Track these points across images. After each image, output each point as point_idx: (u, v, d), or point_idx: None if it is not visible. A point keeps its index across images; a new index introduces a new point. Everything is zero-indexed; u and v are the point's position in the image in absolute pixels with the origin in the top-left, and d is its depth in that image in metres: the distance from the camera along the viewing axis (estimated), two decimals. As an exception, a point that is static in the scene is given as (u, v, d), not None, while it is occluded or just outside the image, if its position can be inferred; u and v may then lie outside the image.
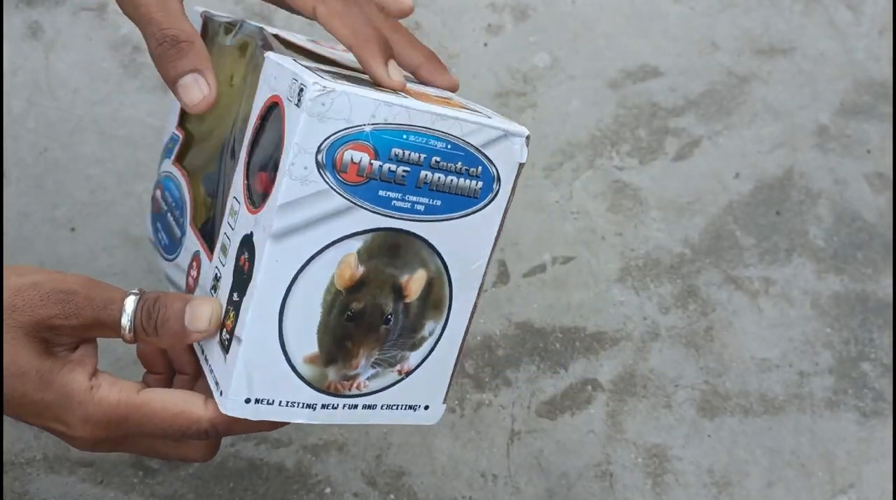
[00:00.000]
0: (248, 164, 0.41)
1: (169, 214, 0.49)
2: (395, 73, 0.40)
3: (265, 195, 0.38)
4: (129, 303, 0.40)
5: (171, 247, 0.49)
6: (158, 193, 0.49)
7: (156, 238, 0.51)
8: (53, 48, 0.78)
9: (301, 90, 0.37)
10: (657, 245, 0.72)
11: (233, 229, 0.41)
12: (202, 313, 0.40)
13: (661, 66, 0.78)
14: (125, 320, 0.40)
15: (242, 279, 0.39)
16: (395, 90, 0.40)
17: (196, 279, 0.46)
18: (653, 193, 0.74)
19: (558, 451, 0.66)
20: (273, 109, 0.39)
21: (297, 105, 0.37)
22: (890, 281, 0.71)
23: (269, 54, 0.42)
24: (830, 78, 0.78)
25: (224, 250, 0.42)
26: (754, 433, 0.67)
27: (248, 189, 0.41)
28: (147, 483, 0.65)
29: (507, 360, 0.69)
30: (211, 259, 0.44)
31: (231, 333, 0.39)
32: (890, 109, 0.77)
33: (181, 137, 0.48)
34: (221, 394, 0.39)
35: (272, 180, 0.38)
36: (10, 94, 0.76)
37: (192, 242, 0.47)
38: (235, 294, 0.40)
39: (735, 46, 0.79)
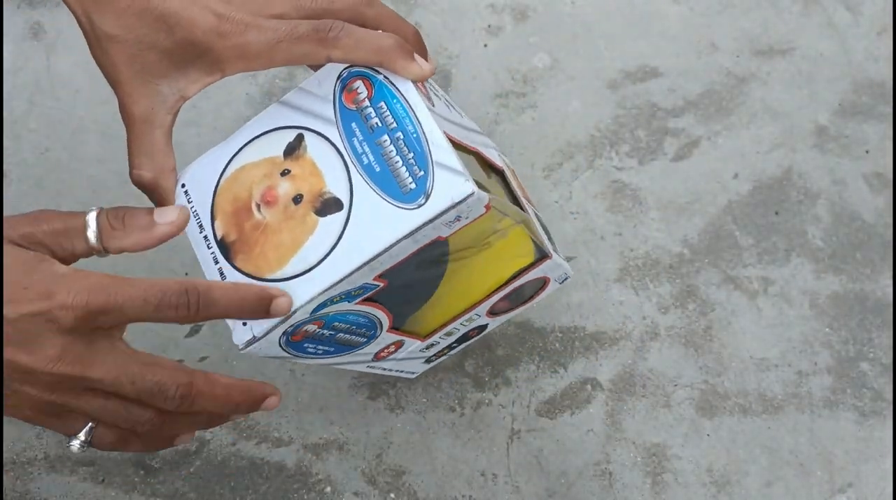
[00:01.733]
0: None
1: (342, 334, 0.51)
2: (423, 64, 0.45)
3: None
4: (93, 211, 0.43)
5: (340, 349, 0.52)
6: (314, 327, 0.49)
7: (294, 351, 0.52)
8: (55, 49, 0.78)
9: None
10: (656, 245, 0.72)
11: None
12: (169, 210, 0.44)
13: (661, 67, 0.79)
14: (91, 218, 0.42)
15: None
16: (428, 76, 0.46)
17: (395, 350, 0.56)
18: (652, 194, 0.74)
19: (558, 450, 0.67)
20: None
21: None
22: (889, 281, 0.71)
23: None
24: (829, 78, 0.78)
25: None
26: (753, 433, 0.67)
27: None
28: (148, 482, 0.65)
29: (506, 359, 0.69)
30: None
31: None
32: (889, 110, 0.77)
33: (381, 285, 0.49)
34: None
35: None
36: (11, 94, 0.76)
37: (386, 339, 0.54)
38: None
39: (734, 47, 0.79)
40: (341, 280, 0.44)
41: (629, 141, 0.76)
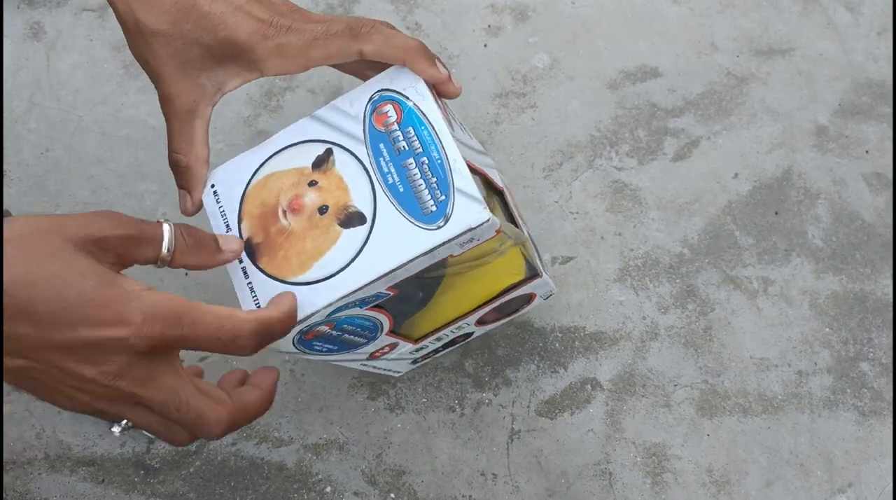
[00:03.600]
0: None
1: (347, 335, 0.54)
2: (442, 69, 0.48)
3: None
4: (167, 223, 0.44)
5: (343, 348, 0.55)
6: (326, 328, 0.51)
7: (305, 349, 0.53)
8: (55, 49, 0.78)
9: None
10: (656, 245, 0.73)
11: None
12: (232, 239, 0.47)
13: (661, 67, 0.79)
14: (167, 231, 0.43)
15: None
16: (446, 80, 0.49)
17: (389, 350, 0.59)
18: (652, 194, 0.74)
19: (558, 450, 0.67)
20: None
21: None
22: (888, 281, 0.71)
23: None
24: (829, 78, 0.78)
25: None
26: (753, 433, 0.67)
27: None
28: (148, 482, 0.65)
29: (506, 359, 0.69)
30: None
31: None
32: (889, 110, 0.77)
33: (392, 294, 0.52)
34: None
35: None
36: (11, 94, 0.76)
37: (384, 340, 0.57)
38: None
39: (734, 47, 0.79)
40: (360, 288, 0.47)
41: (629, 141, 0.76)
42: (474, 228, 0.46)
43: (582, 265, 0.72)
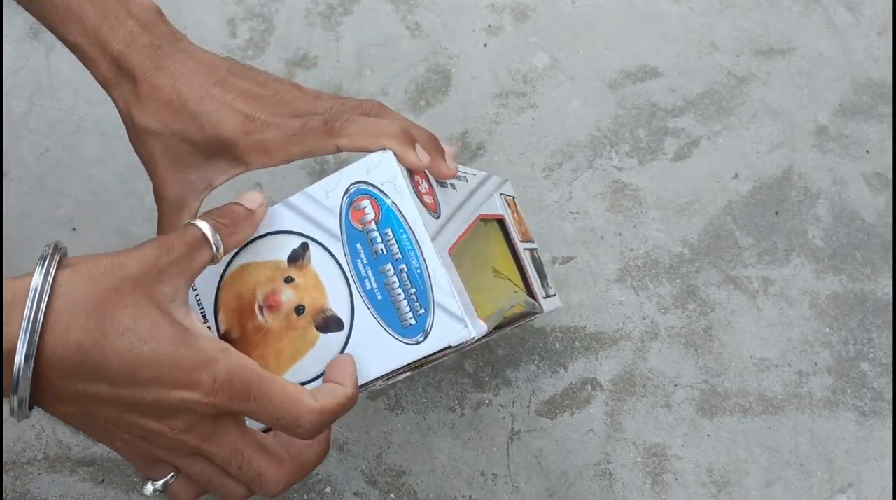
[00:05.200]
0: None
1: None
2: (423, 155, 0.47)
3: None
4: (197, 221, 0.44)
5: None
6: None
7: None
8: (55, 49, 0.78)
9: None
10: (656, 245, 0.72)
11: None
12: (252, 194, 0.47)
13: (661, 67, 0.79)
14: (203, 225, 0.44)
15: None
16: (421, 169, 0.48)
17: None
18: (652, 194, 0.74)
19: (558, 450, 0.67)
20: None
21: None
22: (889, 281, 0.71)
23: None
24: (829, 78, 0.78)
25: None
26: (753, 433, 0.67)
27: None
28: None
29: (506, 359, 0.69)
30: None
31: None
32: (889, 110, 0.77)
33: None
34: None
35: None
36: (11, 94, 0.76)
37: None
38: None
39: (734, 47, 0.79)
40: None
41: (629, 141, 0.76)
42: (455, 346, 0.45)
43: (582, 265, 0.72)
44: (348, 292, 0.46)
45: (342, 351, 0.46)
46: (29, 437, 0.66)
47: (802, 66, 0.79)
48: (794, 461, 0.66)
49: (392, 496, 0.65)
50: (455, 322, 0.44)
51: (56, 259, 0.39)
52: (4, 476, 0.65)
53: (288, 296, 0.47)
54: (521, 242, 0.59)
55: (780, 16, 0.80)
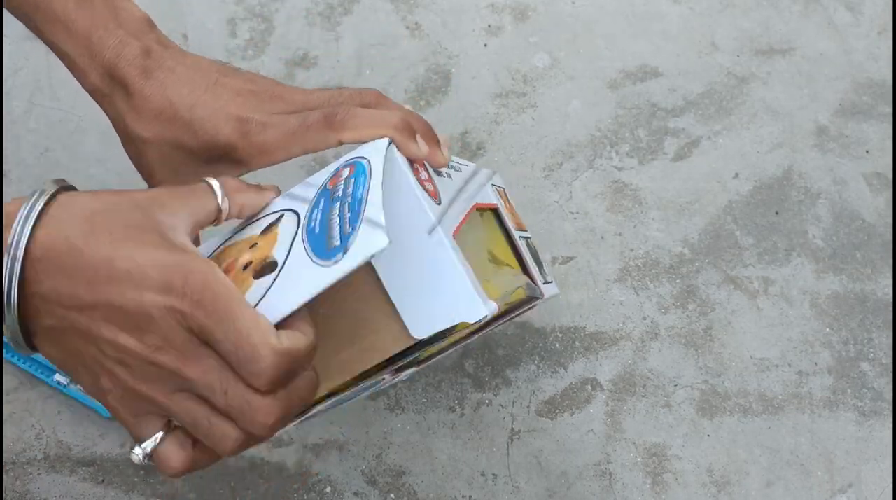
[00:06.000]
0: None
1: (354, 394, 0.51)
2: (423, 145, 0.47)
3: None
4: (215, 185, 0.45)
5: (348, 398, 0.51)
6: None
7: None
8: (54, 49, 0.78)
9: None
10: (656, 245, 0.72)
11: None
12: (266, 185, 0.48)
13: (661, 67, 0.79)
14: (215, 182, 0.44)
15: None
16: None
17: None
18: (652, 194, 0.74)
19: (558, 450, 0.67)
20: None
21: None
22: (889, 281, 0.71)
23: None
24: (829, 78, 0.78)
25: None
26: (753, 433, 0.67)
27: None
28: (148, 482, 0.65)
29: (506, 359, 0.69)
30: None
31: None
32: (889, 110, 0.77)
33: None
34: None
35: None
36: (10, 94, 0.76)
37: None
38: None
39: (734, 47, 0.79)
40: (341, 386, 0.45)
41: (629, 141, 0.76)
42: (372, 257, 0.40)
43: (582, 265, 0.72)
44: (292, 238, 0.43)
45: (266, 291, 0.42)
46: (29, 437, 0.66)
47: (802, 66, 0.79)
48: (794, 461, 0.66)
49: (392, 496, 0.65)
50: (375, 230, 0.39)
51: (63, 184, 0.41)
52: (4, 476, 0.65)
53: (244, 258, 0.45)
54: (516, 230, 0.59)
55: (781, 16, 0.80)
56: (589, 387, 0.68)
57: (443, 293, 0.43)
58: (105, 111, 0.50)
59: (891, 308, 0.70)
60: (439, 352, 0.62)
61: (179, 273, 0.38)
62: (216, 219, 0.45)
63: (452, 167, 0.53)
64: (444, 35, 0.80)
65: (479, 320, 0.43)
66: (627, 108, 0.77)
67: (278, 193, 0.48)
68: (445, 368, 0.69)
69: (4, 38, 0.78)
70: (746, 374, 0.69)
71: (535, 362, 0.69)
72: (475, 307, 0.43)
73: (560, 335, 0.70)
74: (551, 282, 0.62)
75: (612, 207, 0.74)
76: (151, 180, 0.49)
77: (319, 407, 0.49)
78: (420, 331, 0.43)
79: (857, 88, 0.78)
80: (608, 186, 0.74)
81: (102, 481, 0.65)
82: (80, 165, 0.74)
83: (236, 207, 0.46)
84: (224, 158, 0.48)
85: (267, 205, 0.48)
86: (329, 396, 0.47)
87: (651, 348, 0.69)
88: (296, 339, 0.39)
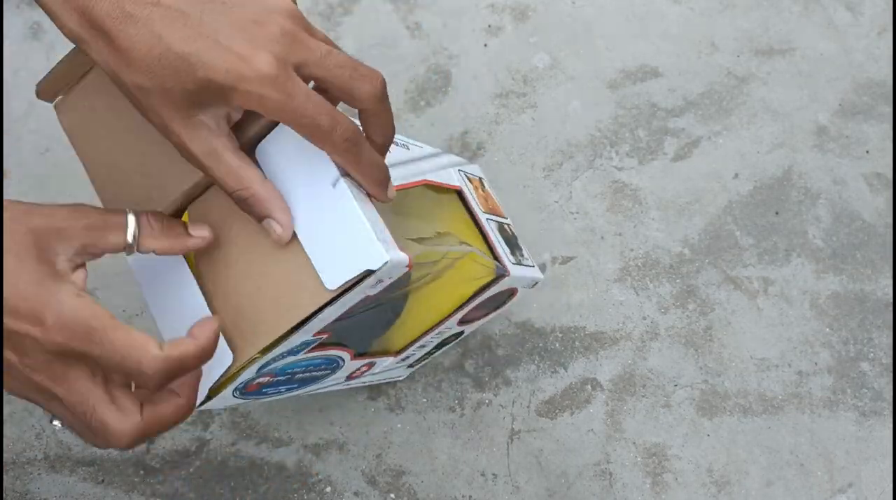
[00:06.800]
0: None
1: (301, 374, 0.52)
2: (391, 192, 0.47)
3: None
4: (132, 211, 0.45)
5: (305, 384, 0.53)
6: (267, 379, 0.50)
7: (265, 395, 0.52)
8: (54, 49, 0.78)
9: None
10: (656, 245, 0.73)
11: None
12: (202, 226, 0.47)
13: (661, 67, 0.79)
14: (131, 218, 0.44)
15: None
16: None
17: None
18: (652, 194, 0.74)
19: (558, 450, 0.67)
20: None
21: None
22: (889, 281, 0.71)
23: None
24: (829, 78, 0.78)
25: None
26: (753, 433, 0.67)
27: None
28: (148, 482, 0.65)
29: (506, 359, 0.69)
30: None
31: None
32: (889, 110, 0.77)
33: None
34: None
35: None
36: (11, 94, 0.76)
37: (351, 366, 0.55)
38: None
39: (734, 47, 0.79)
40: (267, 347, 0.45)
41: (629, 141, 0.76)
42: (376, 271, 0.43)
43: (582, 265, 0.72)
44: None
45: None
46: (29, 437, 0.66)
47: (802, 67, 0.79)
48: (794, 461, 0.66)
49: (392, 496, 0.65)
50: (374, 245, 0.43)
51: None
52: (4, 476, 0.65)
53: None
54: (485, 213, 0.59)
55: (780, 16, 0.81)
56: (589, 387, 0.68)
57: (349, 243, 0.43)
58: (95, 62, 0.45)
59: (890, 308, 0.70)
60: (439, 347, 0.63)
61: (49, 308, 0.41)
62: (126, 250, 0.45)
63: (407, 144, 0.54)
64: (444, 35, 0.80)
65: (381, 267, 0.43)
66: (627, 108, 0.77)
67: (207, 237, 0.47)
68: (445, 368, 0.69)
69: (4, 39, 0.78)
70: (746, 374, 0.69)
71: (535, 362, 0.69)
72: (377, 253, 0.43)
73: (560, 335, 0.70)
74: (532, 267, 0.61)
75: (612, 207, 0.74)
76: (167, 133, 0.45)
77: (260, 379, 0.49)
78: (332, 283, 0.43)
79: (857, 88, 0.78)
80: (608, 186, 0.74)
81: (102, 481, 0.65)
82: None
83: (146, 250, 0.46)
84: (231, 91, 0.43)
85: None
86: (265, 365, 0.46)
87: (651, 348, 0.69)
88: (182, 346, 0.42)
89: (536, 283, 0.63)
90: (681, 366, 0.69)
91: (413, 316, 0.55)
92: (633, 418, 0.67)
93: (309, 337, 0.46)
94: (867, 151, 0.76)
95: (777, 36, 0.80)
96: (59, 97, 0.50)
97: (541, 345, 0.69)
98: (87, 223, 0.43)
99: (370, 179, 0.46)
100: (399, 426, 0.67)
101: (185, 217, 0.49)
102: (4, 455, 0.66)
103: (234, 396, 0.48)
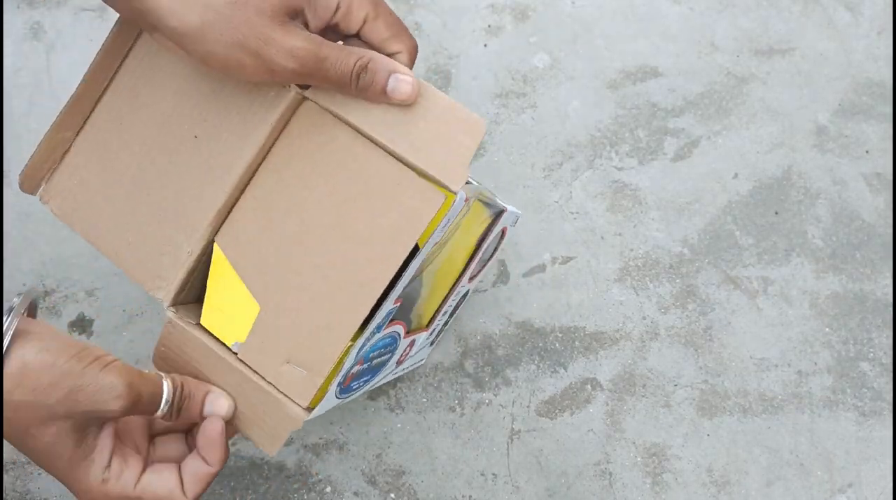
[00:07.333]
0: None
1: (376, 360, 0.53)
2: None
3: None
4: (167, 381, 0.46)
5: (376, 372, 0.55)
6: (358, 367, 0.50)
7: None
8: (54, 49, 0.78)
9: None
10: (656, 245, 0.73)
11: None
12: (221, 400, 0.47)
13: (661, 67, 0.79)
14: (166, 390, 0.45)
15: None
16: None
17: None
18: (652, 194, 0.74)
19: (558, 450, 0.67)
20: None
21: None
22: (888, 281, 0.71)
23: None
24: (829, 78, 0.78)
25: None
26: (753, 433, 0.67)
27: None
28: (148, 482, 0.65)
29: (506, 359, 0.69)
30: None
31: None
32: (889, 110, 0.77)
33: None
34: None
35: None
36: (11, 94, 0.76)
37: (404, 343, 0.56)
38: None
39: (734, 47, 0.79)
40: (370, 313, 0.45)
41: (629, 141, 0.76)
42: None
43: (582, 265, 0.72)
44: None
45: None
46: (29, 437, 0.66)
47: (802, 67, 0.79)
48: (794, 460, 0.66)
49: (392, 496, 0.65)
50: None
51: (18, 320, 0.42)
52: (4, 476, 0.65)
53: None
54: None
55: (780, 16, 0.81)
56: (589, 387, 0.68)
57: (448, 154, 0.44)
58: (161, 44, 0.44)
59: (890, 308, 0.70)
60: (452, 315, 0.64)
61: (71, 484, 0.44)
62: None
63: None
64: (444, 35, 0.80)
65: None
66: (627, 108, 0.77)
67: (223, 415, 0.47)
68: (445, 368, 0.69)
69: (4, 38, 0.78)
70: (746, 374, 0.69)
71: (535, 362, 0.69)
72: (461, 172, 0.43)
73: (560, 335, 0.70)
74: (507, 204, 0.63)
75: (612, 207, 0.74)
76: (267, 40, 0.43)
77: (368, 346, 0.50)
78: (456, 183, 0.43)
79: (857, 88, 0.78)
80: (608, 186, 0.74)
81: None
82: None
83: (177, 420, 0.47)
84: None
85: None
86: (361, 347, 0.47)
87: (651, 347, 0.69)
88: (198, 481, 0.46)
89: (518, 218, 0.64)
90: (681, 366, 0.69)
91: (437, 280, 0.56)
92: (633, 418, 0.67)
93: (392, 305, 0.47)
94: (867, 151, 0.76)
95: (777, 36, 0.80)
96: (42, 187, 0.49)
97: (541, 345, 0.69)
98: (124, 406, 0.44)
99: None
100: (399, 425, 0.67)
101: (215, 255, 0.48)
102: (4, 455, 0.66)
103: (336, 396, 0.48)
